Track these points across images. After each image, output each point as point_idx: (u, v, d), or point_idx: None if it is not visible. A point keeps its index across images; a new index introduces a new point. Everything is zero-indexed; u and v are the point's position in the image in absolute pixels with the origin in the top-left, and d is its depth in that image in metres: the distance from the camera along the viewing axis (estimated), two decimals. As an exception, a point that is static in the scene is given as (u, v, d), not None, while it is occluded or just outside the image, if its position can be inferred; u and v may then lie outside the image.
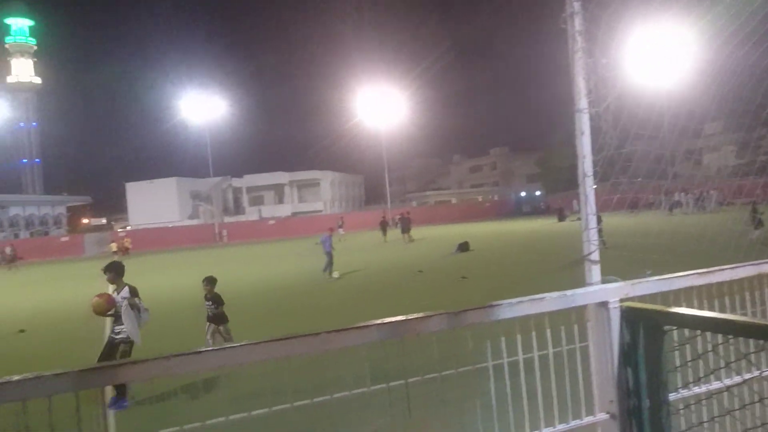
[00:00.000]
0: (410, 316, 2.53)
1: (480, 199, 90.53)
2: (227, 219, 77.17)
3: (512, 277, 15.62)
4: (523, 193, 78.49)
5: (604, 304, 2.87)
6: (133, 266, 33.01)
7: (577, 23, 3.06)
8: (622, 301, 2.91)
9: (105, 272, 7.38)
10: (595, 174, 3.18)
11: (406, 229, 34.74)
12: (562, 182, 72.32)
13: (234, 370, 2.49)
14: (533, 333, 2.90)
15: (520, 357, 2.89)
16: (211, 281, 8.85)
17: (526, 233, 34.53)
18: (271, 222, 69.54)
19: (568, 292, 2.82)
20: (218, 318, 8.74)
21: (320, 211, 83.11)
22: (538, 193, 77.89)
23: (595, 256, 3.01)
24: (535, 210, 69.91)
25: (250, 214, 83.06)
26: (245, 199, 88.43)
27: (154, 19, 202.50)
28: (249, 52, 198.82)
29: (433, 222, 63.96)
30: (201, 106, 66.44)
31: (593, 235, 3.02)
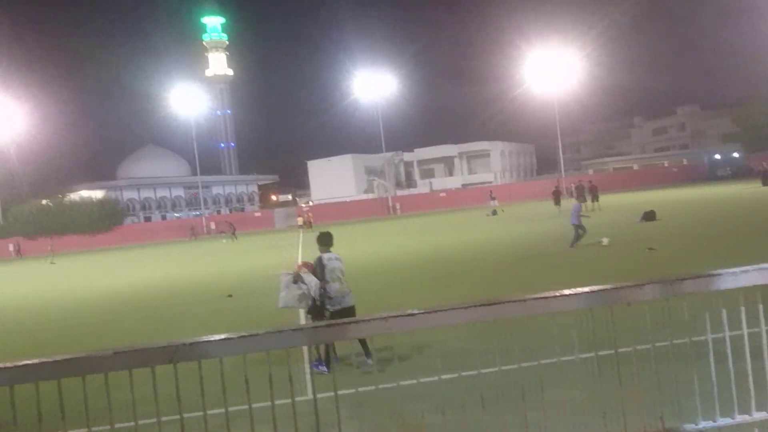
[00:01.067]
0: (621, 284, 2.45)
1: (666, 164, 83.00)
2: (399, 192, 79.58)
3: (709, 250, 14.21)
4: (717, 156, 70.39)
5: None
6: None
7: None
8: None
9: (317, 242, 7.66)
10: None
11: (595, 197, 33.64)
12: (765, 140, 63.55)
13: (443, 333, 2.60)
14: (760, 306, 2.64)
15: (745, 331, 2.65)
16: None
17: (723, 200, 31.00)
18: (442, 194, 70.37)
19: (804, 261, 2.52)
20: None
21: (490, 182, 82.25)
22: (735, 154, 69.42)
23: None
24: (734, 173, 62.42)
25: (422, 187, 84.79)
26: (416, 172, 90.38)
27: (326, 8, 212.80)
28: (416, 26, 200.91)
29: (612, 189, 60.11)
30: (372, 84, 68.76)
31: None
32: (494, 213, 41.22)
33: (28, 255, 56.35)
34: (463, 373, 2.63)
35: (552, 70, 61.86)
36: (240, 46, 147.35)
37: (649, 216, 23.60)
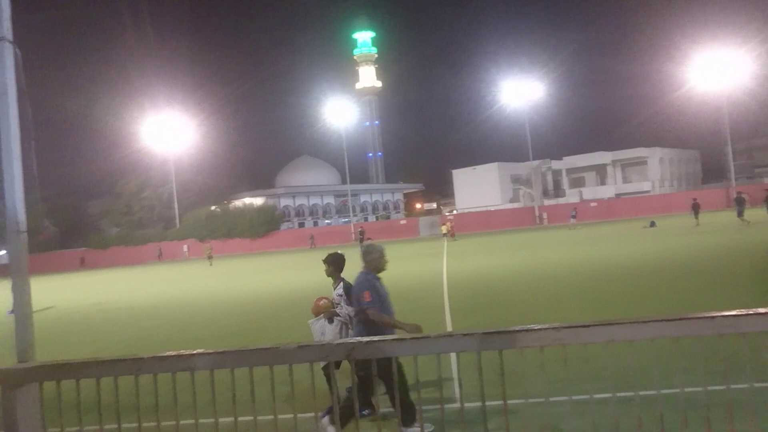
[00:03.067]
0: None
1: None
2: (547, 202, 77.03)
3: None
4: None
5: None
6: (461, 247, 35.55)
7: None
8: None
9: (324, 263, 6.25)
10: None
11: (740, 212, 30.49)
12: None
13: (617, 348, 2.49)
14: None
15: None
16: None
17: None
18: (593, 204, 66.98)
19: None
20: None
21: (648, 191, 76.78)
22: None
23: None
24: None
25: (571, 196, 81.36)
26: (565, 181, 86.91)
27: (473, 17, 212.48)
28: (565, 27, 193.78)
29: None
30: (520, 91, 67.40)
31: None
32: (652, 224, 38.41)
33: (196, 256, 62.47)
34: (641, 393, 2.49)
35: (719, 66, 56.26)
36: (388, 58, 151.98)
37: None
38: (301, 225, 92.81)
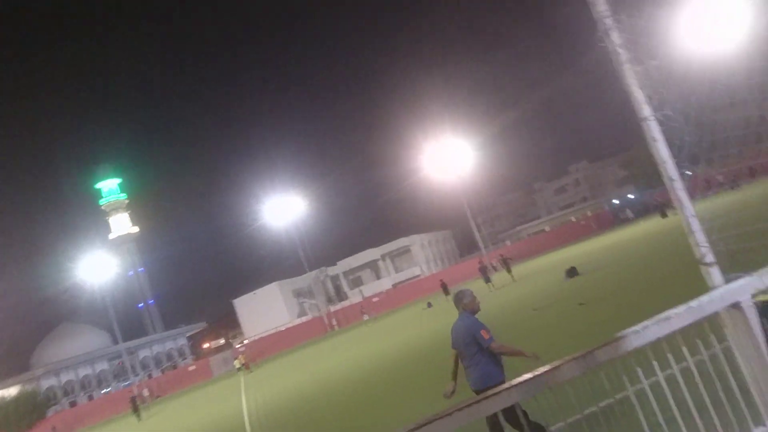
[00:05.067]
0: (540, 371, 2.49)
1: (573, 219, 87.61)
2: (333, 307, 78.60)
3: (632, 294, 14.83)
4: (615, 201, 75.27)
5: (736, 306, 2.70)
6: (259, 376, 34.05)
7: (615, 38, 3.06)
8: (754, 296, 2.73)
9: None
10: (682, 167, 3.06)
11: (508, 269, 35.85)
12: (656, 176, 68.78)
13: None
14: (669, 355, 2.75)
15: (661, 378, 2.73)
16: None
17: (632, 241, 32.88)
18: (375, 299, 70.13)
19: (693, 303, 2.68)
20: None
21: (419, 275, 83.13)
22: (630, 196, 74.53)
23: (710, 258, 2.86)
24: (635, 213, 66.72)
25: (353, 297, 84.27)
26: (344, 283, 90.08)
27: (222, 147, 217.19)
28: (315, 145, 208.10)
29: (534, 254, 62.30)
30: (285, 206, 69.36)
31: (700, 238, 2.88)
32: (429, 305, 41.36)
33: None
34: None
35: (453, 154, 65.11)
36: (142, 200, 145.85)
37: (572, 272, 24.51)
38: (73, 403, 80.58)
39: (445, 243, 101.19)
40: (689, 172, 3.02)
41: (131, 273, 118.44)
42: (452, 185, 69.35)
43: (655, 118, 2.96)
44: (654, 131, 2.96)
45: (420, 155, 67.83)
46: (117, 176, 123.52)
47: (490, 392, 2.42)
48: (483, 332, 5.52)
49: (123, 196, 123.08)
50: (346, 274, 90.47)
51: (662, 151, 2.95)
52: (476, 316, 5.86)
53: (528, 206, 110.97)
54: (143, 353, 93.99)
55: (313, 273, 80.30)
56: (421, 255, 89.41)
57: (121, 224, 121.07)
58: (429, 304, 41.85)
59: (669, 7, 3.68)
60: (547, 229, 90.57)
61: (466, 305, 5.87)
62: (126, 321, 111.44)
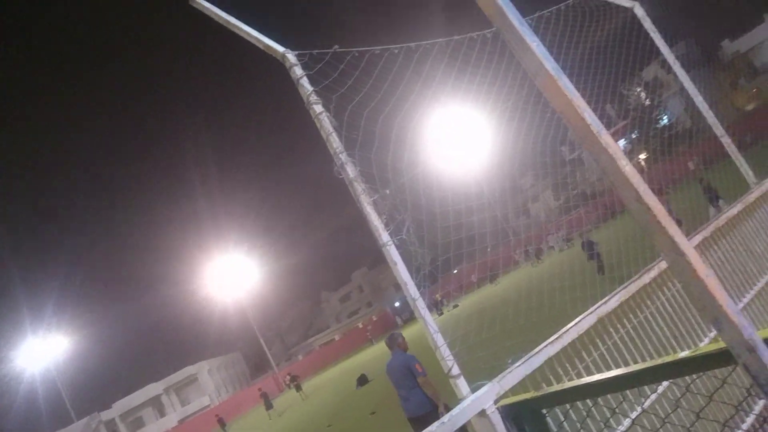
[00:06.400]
0: None
1: (360, 325, 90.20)
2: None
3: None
4: (397, 303, 79.65)
5: (482, 414, 2.87)
6: None
7: (350, 171, 3.28)
8: (497, 401, 2.93)
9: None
10: (422, 286, 3.27)
11: (298, 388, 35.25)
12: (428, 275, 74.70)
13: None
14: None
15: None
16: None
17: (412, 341, 34.72)
18: (159, 441, 62.82)
19: (444, 418, 2.79)
20: None
21: (208, 405, 77.06)
22: (397, 304, 79.48)
23: (455, 370, 3.05)
24: (411, 316, 71.14)
25: (134, 442, 74.56)
26: (122, 428, 79.46)
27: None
28: (64, 272, 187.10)
29: (326, 365, 62.16)
30: (40, 351, 60.19)
31: (445, 352, 3.07)
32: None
33: None
34: None
35: (235, 271, 63.57)
36: None
37: (362, 380, 24.79)
38: None
39: (234, 366, 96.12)
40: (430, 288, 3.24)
41: None
42: (237, 303, 67.37)
43: (392, 243, 3.15)
44: (393, 255, 3.14)
45: (200, 274, 65.27)
46: None
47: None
48: (417, 366, 6.52)
49: None
50: (123, 416, 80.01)
51: (403, 273, 3.13)
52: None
53: (316, 316, 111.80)
54: None
55: (83, 421, 69.77)
56: (210, 383, 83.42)
57: None
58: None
59: (396, 138, 4.09)
60: (337, 338, 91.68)
61: (400, 344, 7.02)
62: None
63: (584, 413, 2.85)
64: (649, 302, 4.21)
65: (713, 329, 3.48)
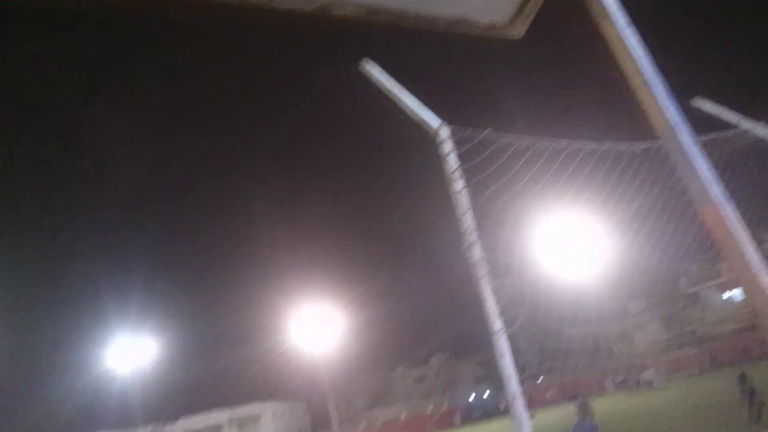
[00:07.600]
0: None
1: (429, 411, 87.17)
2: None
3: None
4: (471, 398, 76.49)
5: None
6: None
7: (477, 252, 3.32)
8: None
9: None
10: (523, 383, 3.18)
11: None
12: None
13: None
14: None
15: None
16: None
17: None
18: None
19: None
20: None
21: (262, 449, 76.91)
22: (485, 396, 76.13)
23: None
24: (486, 413, 67.80)
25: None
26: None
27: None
28: (169, 288, 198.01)
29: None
30: (129, 352, 63.31)
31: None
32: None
33: None
34: None
35: (313, 326, 64.13)
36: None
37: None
38: None
39: (298, 416, 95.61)
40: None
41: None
42: (315, 355, 67.62)
43: (504, 333, 3.12)
44: (503, 346, 3.10)
45: (288, 316, 66.44)
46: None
47: None
48: None
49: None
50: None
51: (508, 367, 3.07)
52: None
53: (387, 389, 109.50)
54: None
55: (146, 430, 71.99)
56: (271, 426, 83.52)
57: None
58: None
59: (528, 229, 4.10)
60: (403, 416, 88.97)
61: (593, 414, 7.20)
62: None
63: None
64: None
65: None
